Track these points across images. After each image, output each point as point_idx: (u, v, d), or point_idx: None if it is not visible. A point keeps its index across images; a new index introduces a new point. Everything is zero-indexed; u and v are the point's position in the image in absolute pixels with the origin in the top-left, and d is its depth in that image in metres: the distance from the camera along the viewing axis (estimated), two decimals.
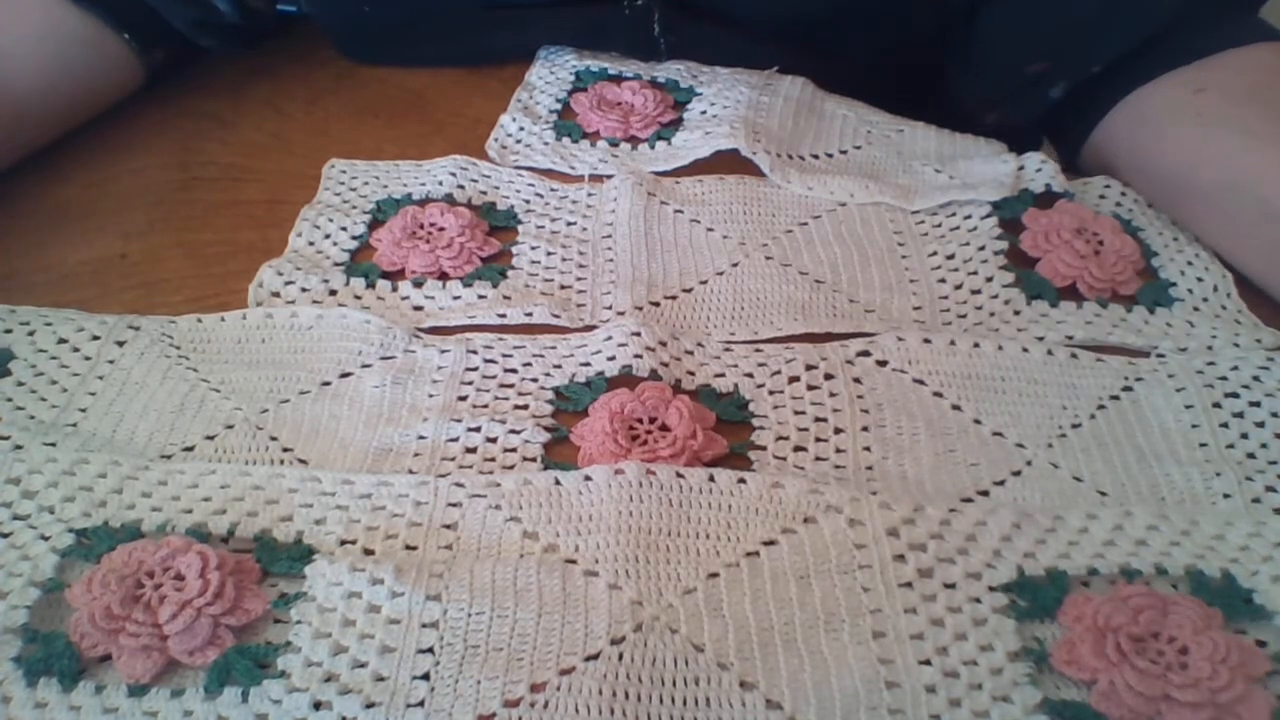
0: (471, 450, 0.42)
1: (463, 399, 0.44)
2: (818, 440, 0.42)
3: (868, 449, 0.42)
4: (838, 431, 0.43)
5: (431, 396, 0.44)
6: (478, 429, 0.42)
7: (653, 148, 0.58)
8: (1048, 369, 0.45)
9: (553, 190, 0.55)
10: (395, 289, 0.49)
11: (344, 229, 0.52)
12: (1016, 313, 0.48)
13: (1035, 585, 0.36)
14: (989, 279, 0.50)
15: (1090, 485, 0.41)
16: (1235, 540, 0.38)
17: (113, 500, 0.39)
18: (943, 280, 0.50)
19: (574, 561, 0.36)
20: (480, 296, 0.49)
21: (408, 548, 0.37)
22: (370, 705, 0.33)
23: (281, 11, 0.67)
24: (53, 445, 0.41)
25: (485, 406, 0.43)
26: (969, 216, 0.53)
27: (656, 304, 0.49)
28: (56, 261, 0.51)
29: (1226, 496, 0.40)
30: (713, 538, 0.37)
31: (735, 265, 0.51)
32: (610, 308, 0.48)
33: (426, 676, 0.33)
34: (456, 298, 0.49)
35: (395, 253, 0.50)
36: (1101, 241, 0.50)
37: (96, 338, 0.46)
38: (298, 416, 0.43)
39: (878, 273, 0.50)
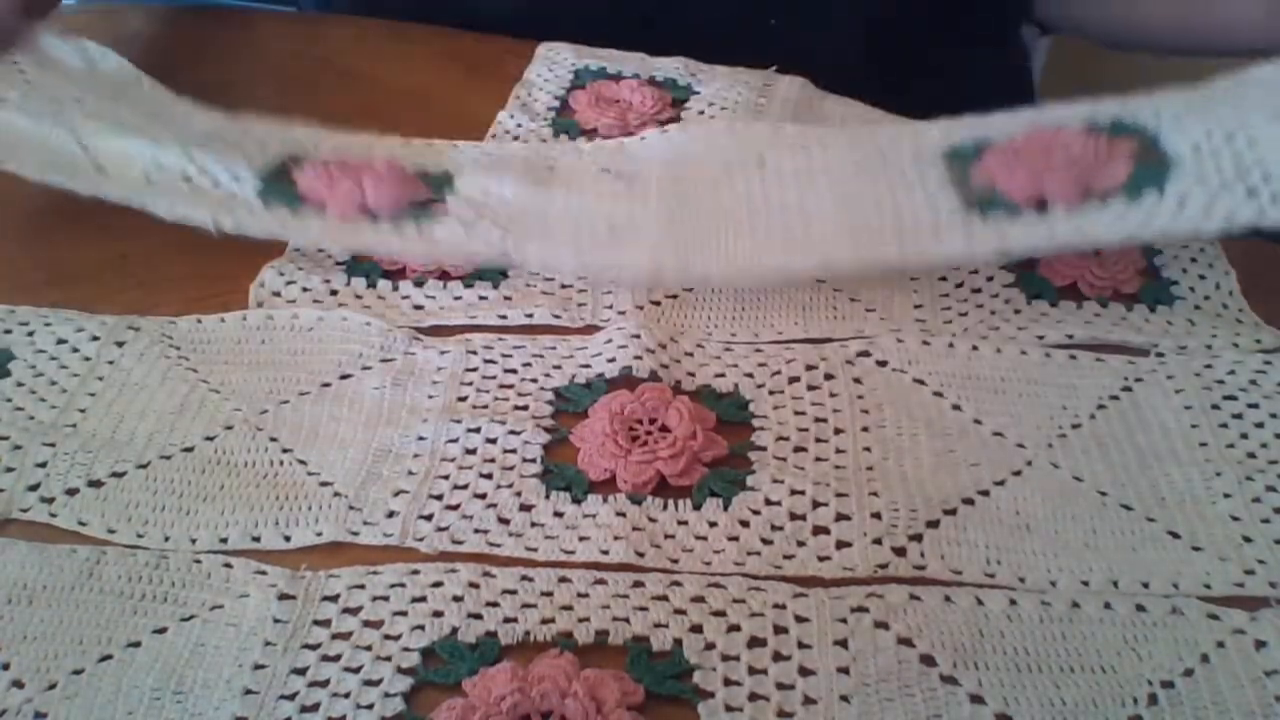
0: (471, 451, 0.42)
1: (462, 400, 0.44)
2: (818, 440, 0.42)
3: (868, 449, 0.42)
4: (838, 432, 0.43)
5: (431, 398, 0.44)
6: (477, 430, 0.42)
7: None
8: (1047, 369, 0.45)
9: None
10: (396, 288, 0.49)
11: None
12: (1017, 311, 0.48)
13: None
14: (989, 278, 0.50)
15: (1091, 485, 0.41)
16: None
17: None
18: (943, 279, 0.50)
19: None
20: (481, 297, 0.49)
21: None
22: None
23: (279, 10, 0.67)
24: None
25: (485, 408, 0.43)
26: None
27: (657, 303, 0.49)
28: (56, 261, 0.51)
29: (1227, 496, 0.40)
30: None
31: None
32: (611, 307, 0.48)
33: None
34: (458, 298, 0.49)
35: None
36: None
37: (96, 338, 0.46)
38: (297, 417, 0.43)
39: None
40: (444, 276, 0.50)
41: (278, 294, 0.49)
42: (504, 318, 0.47)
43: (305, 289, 0.49)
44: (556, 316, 0.47)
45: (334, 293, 0.49)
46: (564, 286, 0.49)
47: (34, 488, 0.40)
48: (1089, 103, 0.47)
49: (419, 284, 0.49)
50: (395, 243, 0.48)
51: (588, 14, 0.66)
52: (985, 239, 0.45)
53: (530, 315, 0.47)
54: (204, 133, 0.52)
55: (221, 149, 0.50)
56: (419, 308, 0.48)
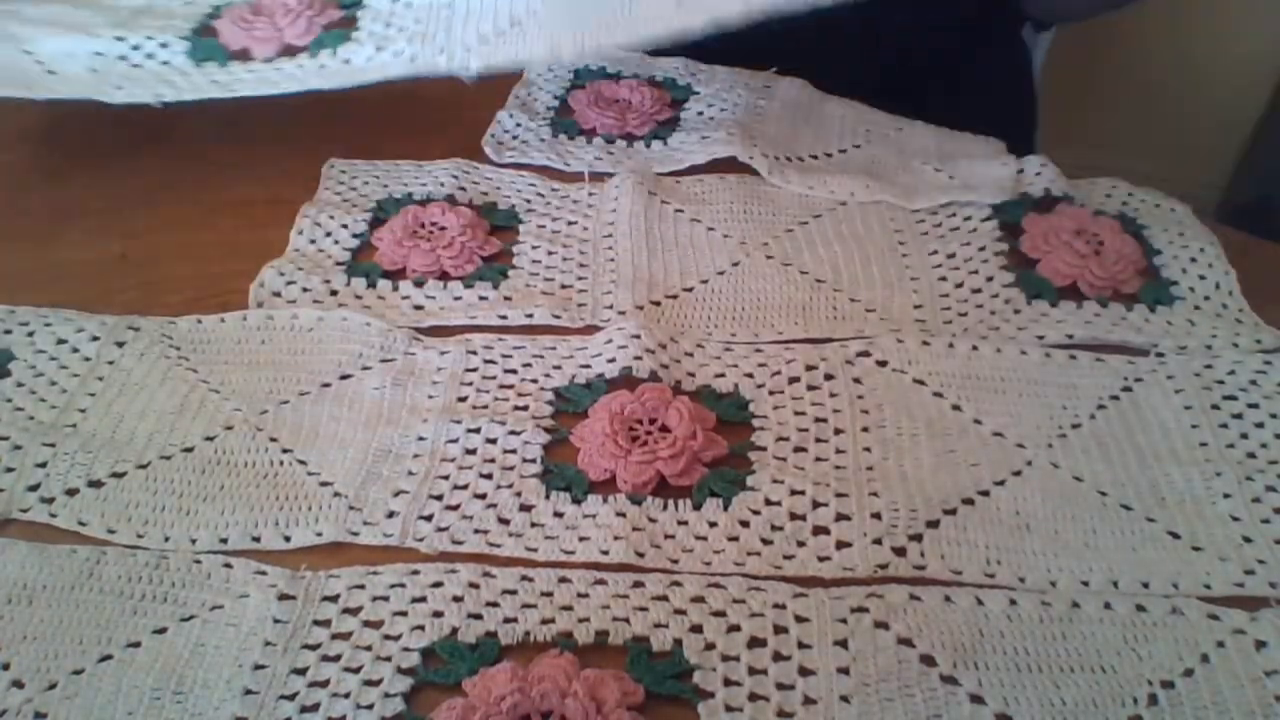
0: (471, 452, 0.42)
1: (462, 400, 0.44)
2: (818, 440, 0.42)
3: (868, 449, 0.42)
4: (838, 432, 0.43)
5: (431, 398, 0.44)
6: (477, 430, 0.42)
7: (649, 146, 0.58)
8: (1047, 369, 0.45)
9: (554, 190, 0.55)
10: (396, 289, 0.49)
11: (345, 227, 0.52)
12: (1017, 311, 0.48)
13: None
14: (989, 278, 0.50)
15: (1091, 485, 0.41)
16: None
17: None
18: (943, 279, 0.50)
19: None
20: (481, 298, 0.49)
21: None
22: None
23: None
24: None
25: (485, 408, 0.43)
26: (969, 218, 0.53)
27: (657, 303, 0.49)
28: (56, 261, 0.51)
29: (1227, 496, 0.40)
30: None
31: (736, 265, 0.51)
32: (611, 307, 0.48)
33: None
34: (458, 298, 0.49)
35: (397, 252, 0.50)
36: (1102, 242, 0.50)
37: (96, 338, 0.46)
38: (297, 417, 0.43)
39: (878, 271, 0.50)
40: (444, 276, 0.50)
41: (278, 294, 0.49)
42: (504, 318, 0.47)
43: (305, 289, 0.49)
44: (556, 317, 0.47)
45: (334, 293, 0.49)
46: (564, 287, 0.49)
47: (34, 488, 0.40)
48: None
49: (419, 284, 0.49)
50: (316, 79, 0.50)
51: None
52: None
53: (530, 315, 0.47)
54: (132, 9, 0.54)
55: (149, 22, 0.53)
56: (419, 308, 0.48)
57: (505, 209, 0.54)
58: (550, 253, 0.51)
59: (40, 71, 0.52)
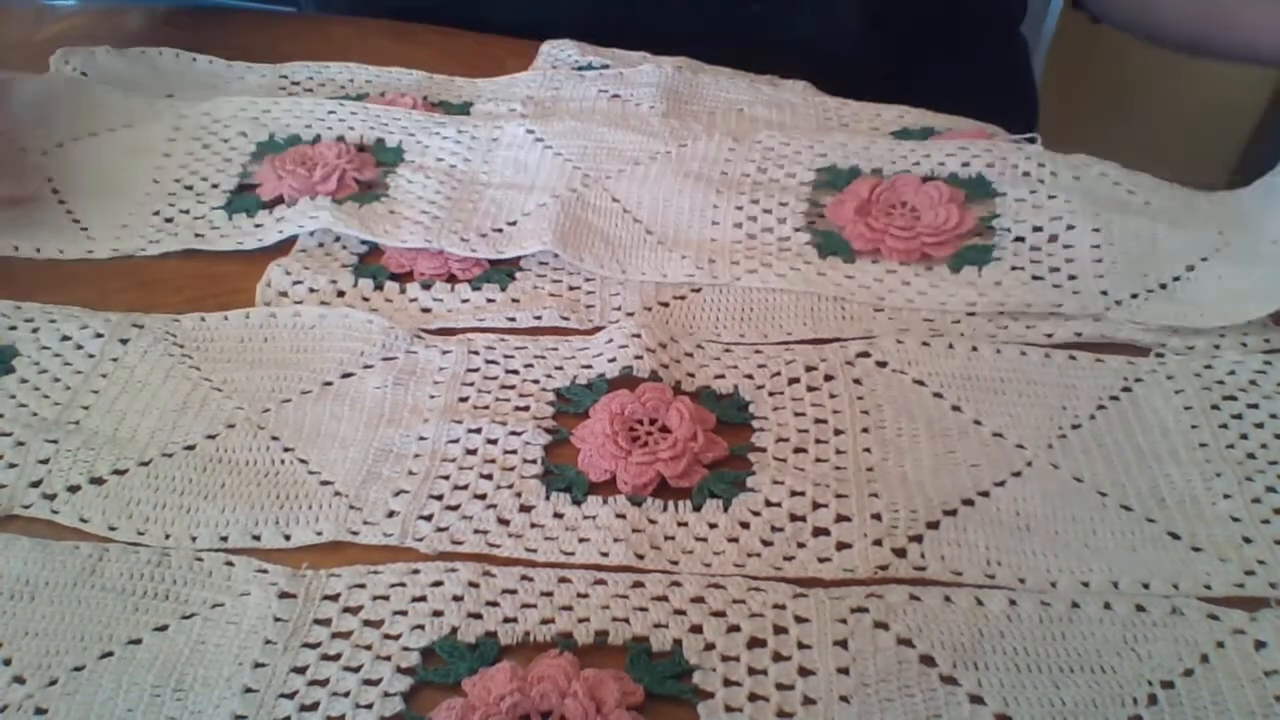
0: (472, 452, 0.42)
1: (464, 400, 0.44)
2: (818, 441, 0.42)
3: (868, 450, 0.42)
4: (838, 433, 0.43)
5: (433, 398, 0.44)
6: (478, 430, 0.42)
7: None
8: (1047, 369, 0.45)
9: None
10: (403, 291, 0.49)
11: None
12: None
13: None
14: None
15: (1090, 485, 0.41)
16: None
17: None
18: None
19: None
20: (489, 300, 0.49)
21: None
22: None
23: (279, 11, 0.67)
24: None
25: (486, 408, 0.43)
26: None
27: (665, 304, 0.49)
28: (57, 261, 0.51)
29: (1227, 497, 0.40)
30: None
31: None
32: (619, 309, 0.48)
33: None
34: (465, 300, 0.49)
35: (404, 255, 0.50)
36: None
37: (100, 335, 0.46)
38: (299, 416, 0.43)
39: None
40: (451, 279, 0.50)
41: (284, 294, 0.49)
42: (512, 320, 0.47)
43: (312, 289, 0.49)
44: (565, 319, 0.47)
45: (341, 294, 0.49)
46: (571, 289, 0.49)
47: (36, 484, 0.40)
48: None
49: (426, 286, 0.49)
50: (330, 220, 0.51)
51: (586, 16, 0.67)
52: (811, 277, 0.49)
53: (539, 318, 0.47)
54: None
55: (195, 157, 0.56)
56: (426, 310, 0.48)
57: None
58: (557, 254, 0.51)
59: (77, 233, 0.53)
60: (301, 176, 0.53)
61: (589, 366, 0.45)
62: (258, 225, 0.52)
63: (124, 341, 0.46)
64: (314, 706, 0.34)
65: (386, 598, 0.37)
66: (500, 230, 0.51)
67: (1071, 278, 0.48)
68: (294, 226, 0.51)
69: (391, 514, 0.40)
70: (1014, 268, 0.49)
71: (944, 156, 0.54)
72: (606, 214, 0.52)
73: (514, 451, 0.42)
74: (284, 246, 0.51)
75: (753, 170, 0.54)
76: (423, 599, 0.37)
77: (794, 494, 0.40)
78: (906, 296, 0.48)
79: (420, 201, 0.53)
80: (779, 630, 0.36)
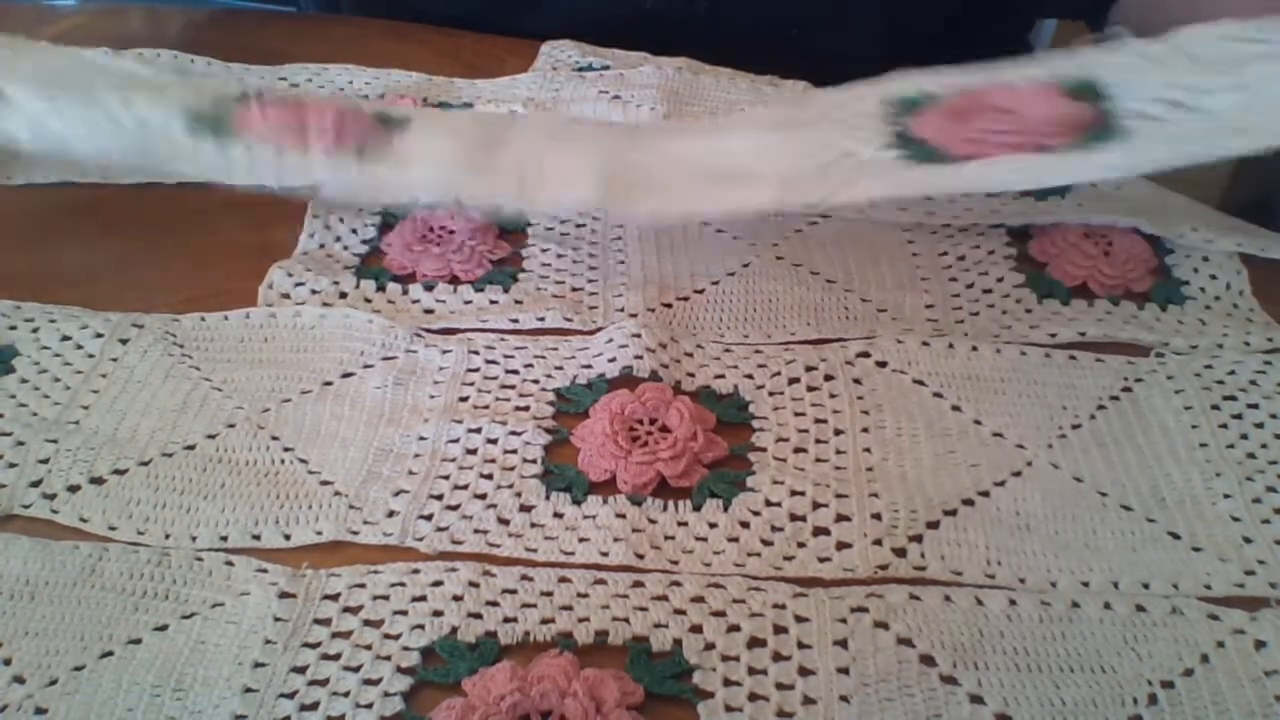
0: (472, 452, 0.42)
1: (464, 400, 0.44)
2: (818, 441, 0.42)
3: (868, 450, 0.42)
4: (838, 432, 0.43)
5: (433, 397, 0.44)
6: (478, 430, 0.42)
7: None
8: (1047, 369, 0.45)
9: None
10: (406, 292, 0.49)
11: (354, 231, 0.52)
12: (1028, 310, 0.48)
13: None
14: (999, 279, 0.50)
15: (1091, 485, 0.41)
16: None
17: None
18: (954, 279, 0.50)
19: None
20: (492, 301, 0.49)
21: None
22: None
23: (279, 10, 0.67)
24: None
25: (486, 408, 0.43)
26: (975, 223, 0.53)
27: (669, 305, 0.49)
28: (58, 261, 0.52)
29: (1227, 497, 0.40)
30: None
31: (746, 265, 0.51)
32: (623, 310, 0.48)
33: None
34: (468, 302, 0.49)
35: (407, 256, 0.50)
36: (1110, 242, 0.50)
37: (100, 335, 0.46)
38: (299, 416, 0.43)
39: (889, 271, 0.50)
40: (454, 280, 0.50)
41: (286, 296, 0.49)
42: (515, 321, 0.47)
43: (314, 291, 0.49)
44: (568, 320, 0.47)
45: (343, 295, 0.49)
46: (575, 289, 0.49)
47: (36, 484, 0.40)
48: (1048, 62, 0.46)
49: (429, 288, 0.49)
50: (325, 174, 0.47)
51: (599, 21, 0.67)
52: (909, 180, 0.44)
53: (542, 319, 0.47)
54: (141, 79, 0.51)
55: (154, 94, 0.48)
56: (429, 311, 0.48)
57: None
58: (560, 255, 0.51)
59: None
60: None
61: (589, 366, 0.45)
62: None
63: (124, 341, 0.46)
64: (314, 706, 0.34)
65: (386, 597, 0.37)
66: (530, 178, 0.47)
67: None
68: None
69: (391, 514, 0.40)
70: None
71: (1023, 71, 0.45)
72: (655, 159, 0.48)
73: (514, 451, 0.42)
74: (285, 248, 0.51)
75: (814, 116, 0.49)
76: (423, 599, 0.37)
77: (794, 494, 0.40)
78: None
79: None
80: (779, 630, 0.36)
